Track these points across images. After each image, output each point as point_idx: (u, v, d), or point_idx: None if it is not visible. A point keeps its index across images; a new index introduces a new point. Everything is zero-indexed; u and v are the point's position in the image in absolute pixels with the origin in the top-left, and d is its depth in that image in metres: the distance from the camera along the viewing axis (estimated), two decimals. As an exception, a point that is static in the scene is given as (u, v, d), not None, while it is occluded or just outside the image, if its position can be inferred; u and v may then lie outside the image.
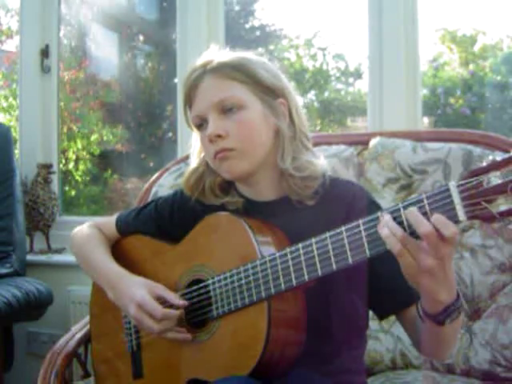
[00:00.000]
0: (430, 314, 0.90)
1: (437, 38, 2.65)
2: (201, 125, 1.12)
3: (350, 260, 0.89)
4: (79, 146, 2.99)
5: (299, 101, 1.16)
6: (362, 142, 1.74)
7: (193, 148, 1.20)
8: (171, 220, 1.24)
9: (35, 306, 2.12)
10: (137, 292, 1.09)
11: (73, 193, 3.06)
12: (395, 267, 0.86)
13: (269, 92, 1.10)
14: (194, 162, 1.19)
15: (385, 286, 1.04)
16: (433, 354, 1.07)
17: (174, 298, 1.09)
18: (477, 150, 1.56)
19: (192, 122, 1.14)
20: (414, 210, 0.83)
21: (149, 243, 1.24)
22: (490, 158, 0.79)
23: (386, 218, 0.85)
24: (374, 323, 1.56)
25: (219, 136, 1.07)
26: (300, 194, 1.09)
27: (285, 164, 1.08)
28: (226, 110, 1.08)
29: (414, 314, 0.99)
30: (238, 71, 1.09)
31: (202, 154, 1.17)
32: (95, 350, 1.31)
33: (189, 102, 1.13)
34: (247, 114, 1.08)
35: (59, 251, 2.49)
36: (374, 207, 1.07)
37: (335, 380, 1.05)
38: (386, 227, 0.84)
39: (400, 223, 0.84)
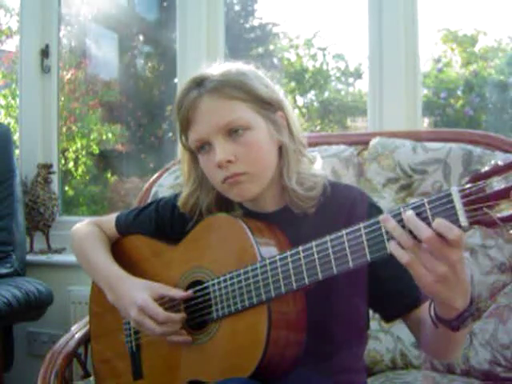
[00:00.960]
0: (445, 320, 0.89)
1: (439, 38, 2.65)
2: (201, 147, 1.07)
3: (351, 264, 0.89)
4: (79, 145, 2.99)
5: (291, 107, 1.13)
6: (361, 141, 1.74)
7: (182, 170, 1.17)
8: (171, 223, 1.23)
9: (35, 306, 2.12)
10: (138, 295, 1.09)
11: (72, 193, 3.06)
12: (398, 271, 0.86)
13: (269, 107, 1.08)
14: (186, 186, 1.16)
15: (388, 290, 1.04)
16: (441, 355, 1.07)
17: (175, 293, 1.09)
18: (477, 150, 1.56)
19: (193, 146, 1.09)
20: (411, 215, 0.81)
21: (149, 243, 1.24)
22: (492, 162, 0.78)
23: (392, 224, 0.83)
24: (373, 323, 1.56)
25: (229, 161, 1.04)
26: (301, 206, 1.08)
27: (291, 183, 1.07)
28: (232, 132, 1.04)
29: (419, 315, 0.99)
30: (237, 89, 1.04)
31: (193, 176, 1.14)
32: (95, 350, 1.31)
33: (186, 124, 1.07)
34: (254, 134, 1.05)
35: (59, 251, 2.49)
36: (375, 211, 1.07)
37: (335, 379, 1.05)
38: (392, 239, 0.83)
39: (403, 227, 0.82)
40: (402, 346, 1.53)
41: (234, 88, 1.05)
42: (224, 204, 1.14)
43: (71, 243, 1.31)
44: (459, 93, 2.59)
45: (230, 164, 1.04)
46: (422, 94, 2.23)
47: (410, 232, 0.82)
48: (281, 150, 1.09)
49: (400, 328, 1.52)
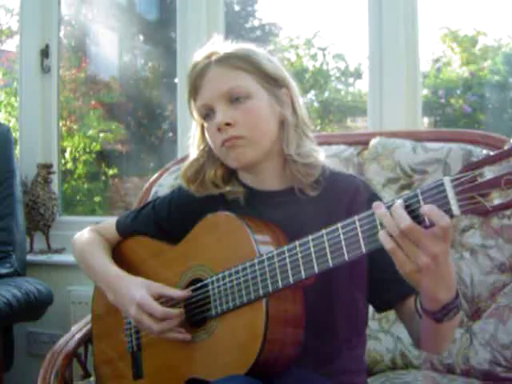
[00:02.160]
0: (429, 311, 0.90)
1: (439, 37, 2.65)
2: (207, 115, 1.12)
3: (346, 256, 0.90)
4: (79, 145, 2.99)
5: (297, 89, 1.17)
6: (361, 142, 1.74)
7: (192, 139, 1.20)
8: (169, 219, 1.24)
9: (35, 306, 2.12)
10: (136, 293, 1.09)
11: (73, 193, 3.07)
12: (391, 260, 0.86)
13: (273, 82, 1.12)
14: (193, 154, 1.19)
15: (382, 277, 1.04)
16: (430, 348, 1.07)
17: (173, 292, 1.10)
18: (477, 150, 1.56)
19: (198, 112, 1.14)
20: (397, 205, 0.83)
21: (149, 244, 1.24)
22: (484, 152, 0.79)
23: (381, 211, 0.84)
24: (373, 323, 1.56)
25: (228, 124, 1.08)
26: (302, 182, 1.10)
27: (289, 150, 1.10)
28: (234, 99, 1.09)
29: (412, 307, 0.99)
30: (243, 61, 1.10)
31: (202, 146, 1.17)
32: (97, 351, 1.31)
33: (194, 92, 1.13)
34: (254, 103, 1.09)
35: (59, 251, 2.48)
36: (377, 200, 1.08)
37: (335, 380, 1.05)
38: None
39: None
40: (402, 346, 1.53)
41: (239, 59, 1.11)
42: (227, 178, 1.17)
43: (73, 250, 1.32)
44: (459, 92, 2.60)
45: (228, 127, 1.08)
46: (422, 94, 2.23)
47: None
48: (283, 124, 1.12)
49: (400, 328, 1.52)
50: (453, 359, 1.48)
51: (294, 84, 1.16)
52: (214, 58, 1.11)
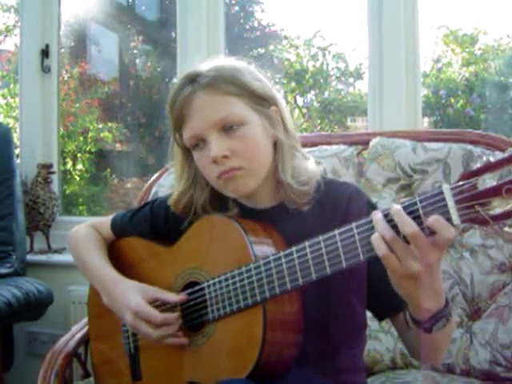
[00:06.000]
0: (417, 320, 0.89)
1: (439, 38, 2.65)
2: (196, 145, 1.07)
3: (344, 264, 0.88)
4: (79, 145, 2.99)
5: (284, 102, 1.14)
6: (362, 141, 1.74)
7: (175, 168, 1.16)
8: (166, 224, 1.22)
9: (35, 306, 2.12)
10: (132, 299, 1.08)
11: (72, 193, 3.07)
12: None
13: (263, 102, 1.08)
14: (179, 185, 1.15)
15: (379, 288, 1.02)
16: (424, 359, 1.06)
17: (170, 296, 1.09)
18: (477, 150, 1.55)
19: (187, 143, 1.08)
20: (399, 209, 0.81)
21: (144, 245, 1.23)
22: (485, 158, 0.78)
23: (377, 217, 0.83)
24: (373, 323, 1.56)
25: (225, 156, 1.03)
26: (296, 202, 1.08)
27: (286, 177, 1.06)
28: (227, 127, 1.04)
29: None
30: (231, 85, 1.04)
31: (186, 176, 1.14)
32: (94, 352, 1.30)
33: (180, 121, 1.07)
34: (248, 129, 1.05)
35: (59, 251, 2.48)
36: (371, 209, 1.06)
37: (335, 380, 1.05)
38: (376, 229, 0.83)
39: (393, 226, 0.82)
40: (402, 345, 1.53)
41: (227, 83, 1.04)
42: (218, 202, 1.14)
43: (68, 246, 1.30)
44: (459, 93, 2.60)
45: (225, 159, 1.04)
46: (422, 94, 2.23)
47: (395, 227, 0.81)
48: (276, 145, 1.09)
49: (400, 328, 1.52)
50: (453, 359, 1.48)
51: (281, 99, 1.12)
52: (198, 83, 1.04)
